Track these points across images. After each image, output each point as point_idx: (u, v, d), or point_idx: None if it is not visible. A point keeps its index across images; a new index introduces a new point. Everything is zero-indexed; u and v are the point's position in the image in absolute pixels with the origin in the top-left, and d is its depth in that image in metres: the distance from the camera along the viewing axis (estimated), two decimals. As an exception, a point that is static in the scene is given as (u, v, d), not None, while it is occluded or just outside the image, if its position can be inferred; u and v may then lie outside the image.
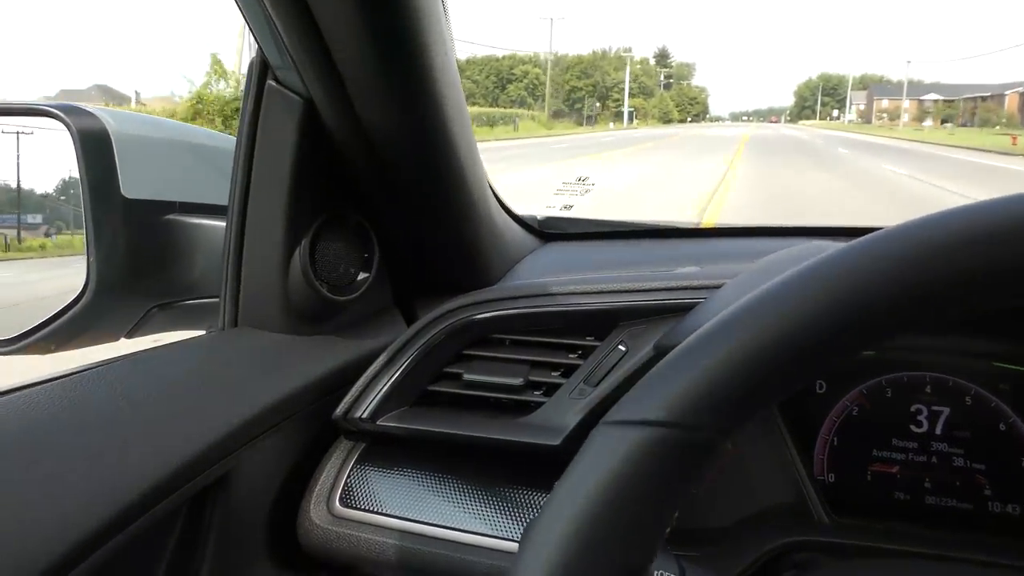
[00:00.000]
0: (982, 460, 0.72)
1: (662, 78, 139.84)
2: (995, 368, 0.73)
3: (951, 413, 0.74)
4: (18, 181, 0.87)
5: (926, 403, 0.74)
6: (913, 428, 0.74)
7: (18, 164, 0.86)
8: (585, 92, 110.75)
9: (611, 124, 77.61)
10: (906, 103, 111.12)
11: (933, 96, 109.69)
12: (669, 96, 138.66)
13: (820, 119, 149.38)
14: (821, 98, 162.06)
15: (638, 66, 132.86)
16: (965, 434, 0.73)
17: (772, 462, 0.73)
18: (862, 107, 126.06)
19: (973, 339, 0.74)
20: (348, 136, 0.72)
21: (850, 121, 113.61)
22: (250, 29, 0.68)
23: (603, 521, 0.38)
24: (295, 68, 0.67)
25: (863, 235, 0.40)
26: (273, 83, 0.71)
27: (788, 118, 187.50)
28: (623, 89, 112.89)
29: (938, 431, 0.74)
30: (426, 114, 0.69)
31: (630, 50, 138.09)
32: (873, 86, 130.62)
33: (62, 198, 0.80)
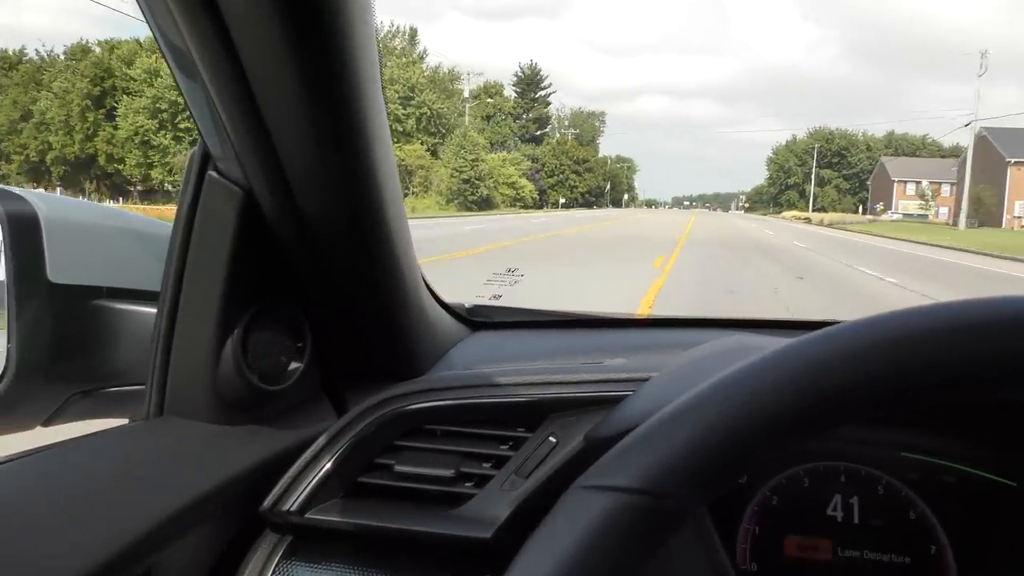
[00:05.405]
0: (894, 548, 0.75)
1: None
2: (903, 458, 0.77)
3: (865, 502, 0.77)
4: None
5: (841, 492, 0.78)
6: (830, 517, 0.77)
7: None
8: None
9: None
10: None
11: None
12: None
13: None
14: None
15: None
16: (879, 522, 0.76)
17: (696, 551, 0.74)
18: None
19: (882, 430, 0.78)
20: (286, 227, 0.73)
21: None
22: (193, 120, 0.70)
23: None
24: (237, 160, 0.68)
25: (780, 327, 0.44)
26: (214, 174, 0.72)
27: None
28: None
29: (853, 520, 0.77)
30: (366, 207, 0.71)
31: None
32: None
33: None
